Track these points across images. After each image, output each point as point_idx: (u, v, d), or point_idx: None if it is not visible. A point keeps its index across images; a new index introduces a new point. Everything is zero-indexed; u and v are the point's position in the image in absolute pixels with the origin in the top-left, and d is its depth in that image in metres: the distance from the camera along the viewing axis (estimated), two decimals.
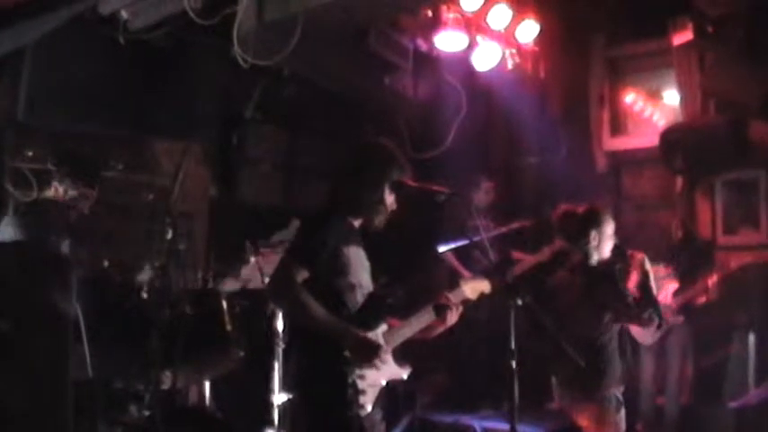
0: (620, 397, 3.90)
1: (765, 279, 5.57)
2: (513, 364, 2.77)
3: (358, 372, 2.79)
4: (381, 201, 2.96)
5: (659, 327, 4.13)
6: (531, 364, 3.13)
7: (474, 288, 3.18)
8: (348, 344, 2.77)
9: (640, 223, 5.01)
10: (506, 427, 2.85)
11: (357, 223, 3.01)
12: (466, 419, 5.13)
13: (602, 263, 4.03)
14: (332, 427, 2.77)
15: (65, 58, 4.60)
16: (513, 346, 2.79)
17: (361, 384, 2.78)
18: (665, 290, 5.36)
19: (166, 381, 3.69)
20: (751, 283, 5.52)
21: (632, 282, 4.05)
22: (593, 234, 3.97)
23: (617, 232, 4.08)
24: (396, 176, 2.96)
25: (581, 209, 4.10)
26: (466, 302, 3.12)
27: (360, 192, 2.95)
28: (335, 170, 3.11)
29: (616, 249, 4.07)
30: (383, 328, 2.95)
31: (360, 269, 2.96)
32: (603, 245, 4.02)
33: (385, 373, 2.89)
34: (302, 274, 2.76)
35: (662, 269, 5.46)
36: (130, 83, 4.80)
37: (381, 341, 2.92)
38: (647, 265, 4.06)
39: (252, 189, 5.72)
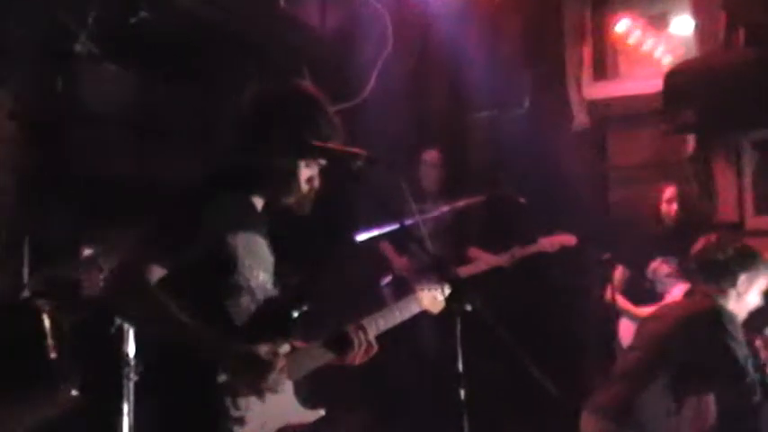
0: None
1: None
2: (462, 393, 2.72)
3: (235, 413, 2.71)
4: (293, 172, 2.91)
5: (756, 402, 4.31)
6: (484, 391, 3.18)
7: (436, 298, 3.24)
8: (226, 359, 2.69)
9: (630, 200, 5.04)
10: None
11: (259, 203, 2.97)
12: None
13: None
14: None
15: None
16: (460, 368, 2.73)
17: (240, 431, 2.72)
18: (672, 295, 5.43)
19: None
20: None
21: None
22: (742, 278, 4.14)
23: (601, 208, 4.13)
24: (315, 137, 2.89)
25: (736, 242, 4.31)
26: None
27: (262, 158, 2.90)
28: (228, 126, 3.03)
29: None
30: (284, 349, 2.87)
31: (254, 265, 2.90)
32: (748, 298, 4.19)
33: (280, 414, 2.83)
34: (156, 273, 2.68)
35: (664, 265, 5.66)
36: None
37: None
38: None
39: (87, 156, 5.41)
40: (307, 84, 3.08)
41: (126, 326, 4.24)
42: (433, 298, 3.25)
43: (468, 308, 2.75)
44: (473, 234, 6.37)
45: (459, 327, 2.74)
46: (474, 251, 6.16)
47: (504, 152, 6.62)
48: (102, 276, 4.34)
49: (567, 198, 6.38)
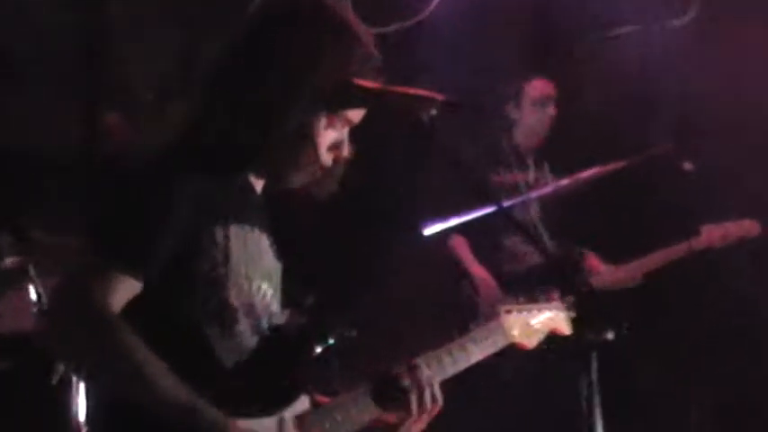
0: None
1: None
2: None
3: None
4: (309, 135, 2.93)
5: None
6: None
7: (528, 325, 3.43)
8: None
9: None
10: None
11: (258, 184, 3.03)
12: None
13: None
14: None
15: None
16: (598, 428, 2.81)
17: None
18: None
19: None
20: None
21: None
22: None
23: None
24: (345, 73, 2.91)
25: None
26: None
27: (260, 112, 2.91)
28: (207, 67, 3.09)
29: None
30: (301, 406, 2.94)
31: (254, 274, 2.96)
32: None
33: None
34: (125, 289, 2.71)
35: None
36: None
37: None
38: None
39: (15, 120, 5.66)
40: None
41: (73, 376, 4.45)
42: (525, 325, 3.39)
43: (610, 337, 2.85)
44: (603, 224, 6.41)
45: (594, 367, 2.87)
46: (592, 261, 6.10)
47: (653, 91, 6.61)
48: (33, 300, 4.52)
49: (759, 161, 6.36)
